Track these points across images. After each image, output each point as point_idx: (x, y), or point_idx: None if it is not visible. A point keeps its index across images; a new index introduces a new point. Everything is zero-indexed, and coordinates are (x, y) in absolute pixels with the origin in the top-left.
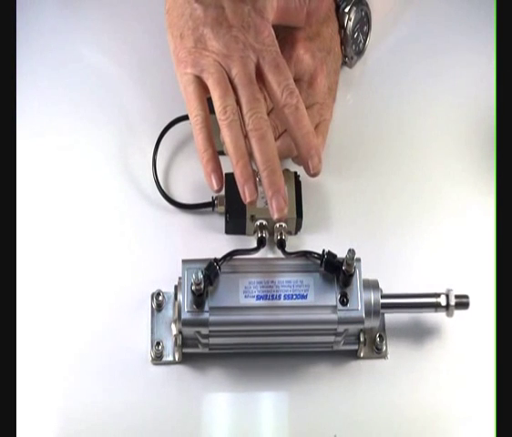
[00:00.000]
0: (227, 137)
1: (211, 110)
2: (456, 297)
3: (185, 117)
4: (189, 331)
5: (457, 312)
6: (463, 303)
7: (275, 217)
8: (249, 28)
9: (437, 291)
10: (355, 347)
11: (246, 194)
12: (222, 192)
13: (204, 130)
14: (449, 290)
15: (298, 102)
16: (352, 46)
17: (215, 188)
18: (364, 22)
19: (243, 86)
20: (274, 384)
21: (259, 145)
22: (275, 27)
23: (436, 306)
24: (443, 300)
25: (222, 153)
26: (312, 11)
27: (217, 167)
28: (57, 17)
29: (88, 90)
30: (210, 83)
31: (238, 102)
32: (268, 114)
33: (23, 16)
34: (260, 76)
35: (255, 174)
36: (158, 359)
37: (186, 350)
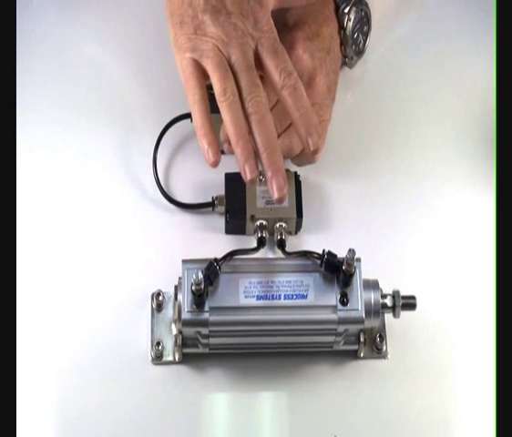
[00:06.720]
0: (227, 117)
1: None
2: (403, 298)
3: (186, 116)
4: (189, 331)
5: (459, 312)
6: (410, 304)
7: (275, 196)
8: (248, 16)
9: (384, 292)
10: (355, 347)
11: (247, 172)
12: (222, 192)
13: (201, 106)
14: (396, 291)
15: (296, 83)
16: (351, 47)
17: (211, 159)
18: (364, 22)
19: (242, 72)
20: (274, 384)
21: (258, 126)
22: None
23: (383, 307)
24: (389, 301)
25: (222, 152)
26: None
27: (213, 141)
28: (57, 16)
29: (89, 88)
30: (210, 67)
31: (238, 87)
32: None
33: (23, 15)
34: (259, 62)
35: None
36: (158, 359)
37: (186, 350)
